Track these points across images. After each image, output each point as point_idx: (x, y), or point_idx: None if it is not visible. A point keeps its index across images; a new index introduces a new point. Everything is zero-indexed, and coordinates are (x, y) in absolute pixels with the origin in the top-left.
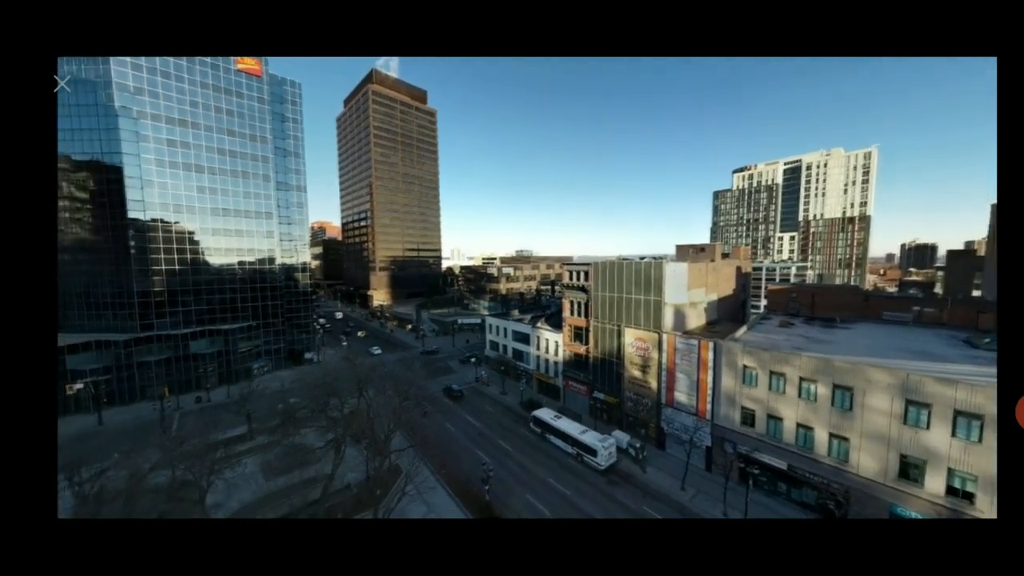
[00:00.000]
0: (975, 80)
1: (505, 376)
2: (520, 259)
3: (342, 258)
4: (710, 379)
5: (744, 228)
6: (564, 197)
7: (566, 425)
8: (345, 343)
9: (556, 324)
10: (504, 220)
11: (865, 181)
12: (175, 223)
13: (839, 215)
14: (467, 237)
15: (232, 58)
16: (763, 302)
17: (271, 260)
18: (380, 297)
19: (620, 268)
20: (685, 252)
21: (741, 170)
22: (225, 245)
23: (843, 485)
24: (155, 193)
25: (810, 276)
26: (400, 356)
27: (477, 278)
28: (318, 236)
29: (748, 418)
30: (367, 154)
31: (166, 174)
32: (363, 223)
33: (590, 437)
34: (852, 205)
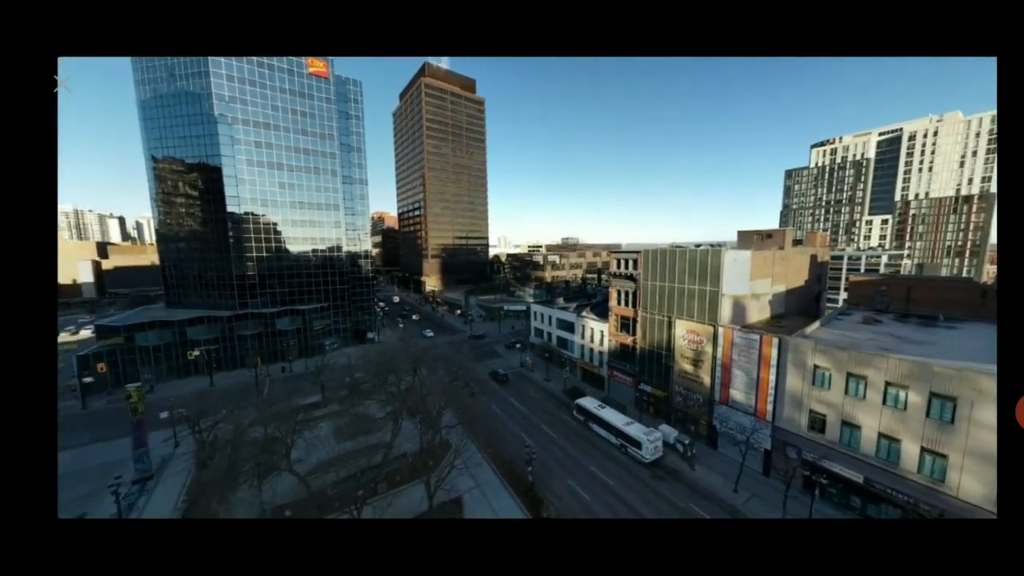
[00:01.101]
0: None
1: (549, 363)
2: (566, 247)
3: (398, 246)
4: (772, 378)
5: (823, 211)
6: (613, 183)
7: (610, 415)
8: (401, 325)
9: (601, 313)
10: (551, 208)
11: (990, 151)
12: (262, 216)
13: (950, 193)
14: (514, 225)
15: (304, 62)
16: (843, 295)
17: (338, 248)
18: (432, 283)
19: (672, 256)
20: (748, 239)
21: (821, 144)
22: (301, 235)
23: (936, 507)
24: (246, 189)
25: (906, 266)
26: (450, 339)
27: (523, 266)
28: (377, 226)
29: (817, 423)
30: (420, 146)
31: (254, 172)
32: (417, 213)
33: (635, 429)
34: (970, 181)
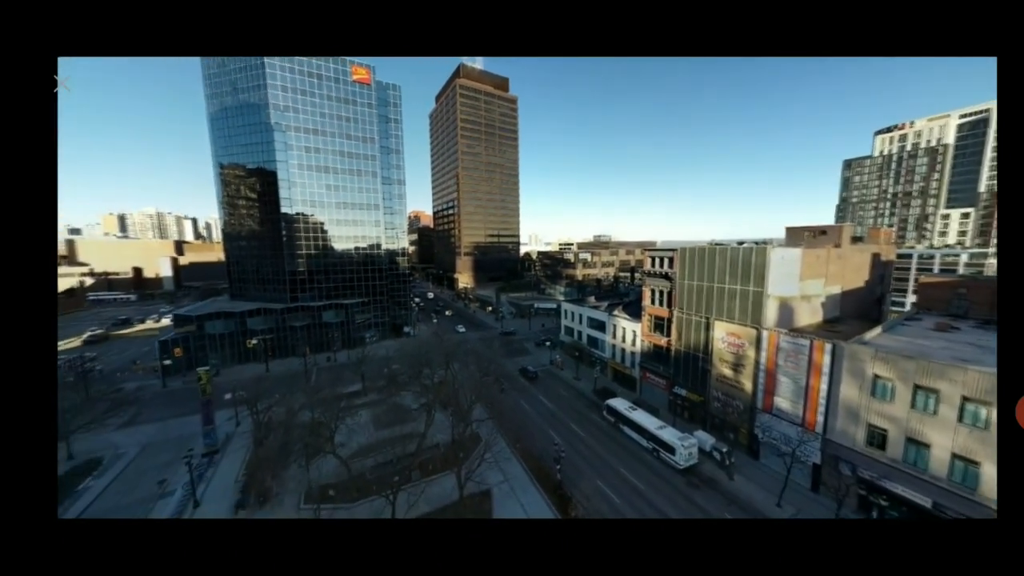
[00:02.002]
0: None
1: (579, 362)
2: (598, 244)
3: (433, 244)
4: (824, 387)
5: (888, 204)
6: (648, 179)
7: (642, 418)
8: (435, 320)
9: (634, 313)
10: (583, 205)
11: None
12: (311, 216)
13: None
14: (545, 223)
15: (349, 70)
16: (911, 298)
17: (378, 246)
18: (464, 280)
19: (712, 254)
20: (798, 236)
21: (888, 131)
22: (345, 233)
23: None
24: (297, 191)
25: (990, 266)
26: (481, 335)
27: (553, 263)
28: (414, 224)
29: (876, 438)
30: (454, 146)
31: (304, 175)
32: (450, 211)
33: (668, 433)
34: None
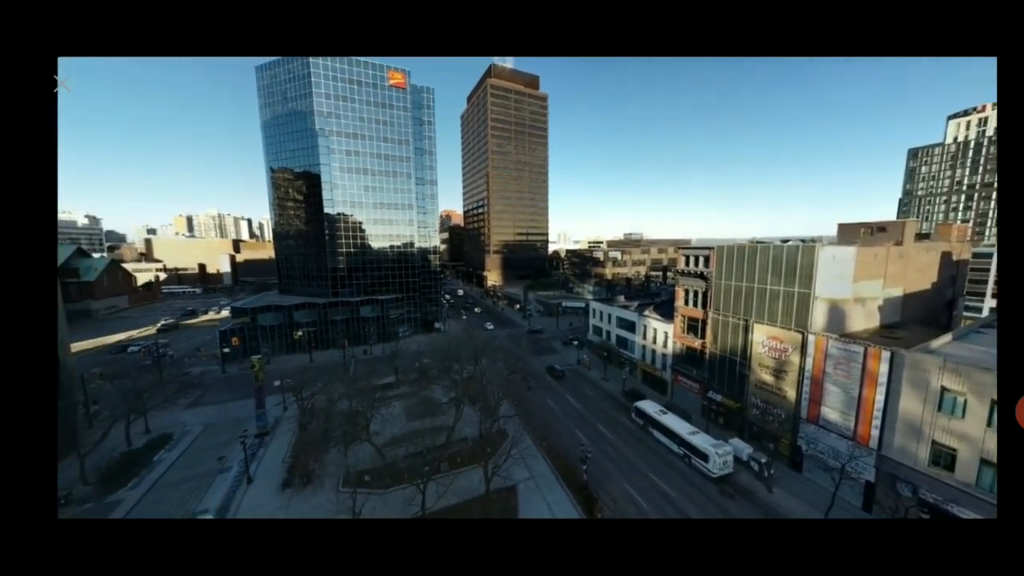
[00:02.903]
0: None
1: (607, 362)
2: (628, 242)
3: (463, 242)
4: (880, 398)
5: (962, 197)
6: (684, 175)
7: (673, 422)
8: (464, 317)
9: (666, 314)
10: (613, 202)
11: None
12: (350, 216)
13: None
14: (574, 221)
15: (386, 75)
16: (989, 303)
17: (411, 244)
18: (493, 278)
19: (752, 253)
20: (852, 233)
21: (964, 114)
22: (381, 232)
23: None
24: (338, 193)
25: None
26: (509, 332)
27: (582, 262)
28: (445, 223)
29: (943, 458)
30: (485, 145)
31: (345, 178)
32: (480, 210)
33: (701, 440)
34: None
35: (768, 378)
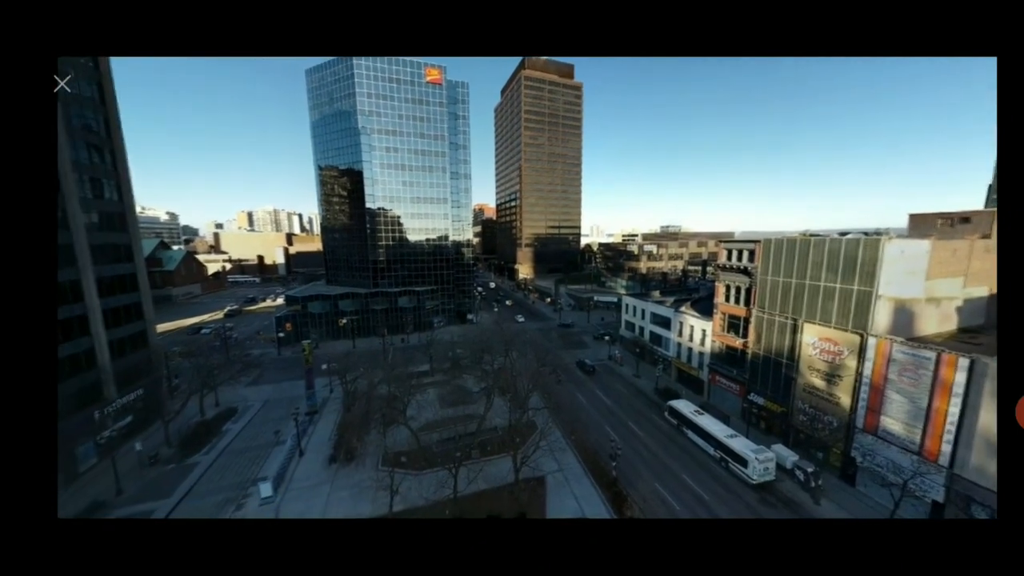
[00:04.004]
0: None
1: (640, 359)
2: (665, 236)
3: (495, 235)
4: (954, 410)
5: None
6: (730, 162)
7: (709, 423)
8: (496, 309)
9: (704, 310)
10: (650, 193)
11: None
12: (389, 210)
13: None
14: (607, 213)
15: (423, 72)
16: None
17: (446, 237)
18: (524, 271)
19: (805, 247)
20: (928, 224)
21: None
22: (417, 226)
23: None
24: (379, 188)
25: None
26: (539, 326)
27: (615, 255)
28: (478, 217)
29: None
30: (518, 138)
31: (385, 174)
32: (513, 203)
33: (740, 444)
34: None
35: (819, 382)
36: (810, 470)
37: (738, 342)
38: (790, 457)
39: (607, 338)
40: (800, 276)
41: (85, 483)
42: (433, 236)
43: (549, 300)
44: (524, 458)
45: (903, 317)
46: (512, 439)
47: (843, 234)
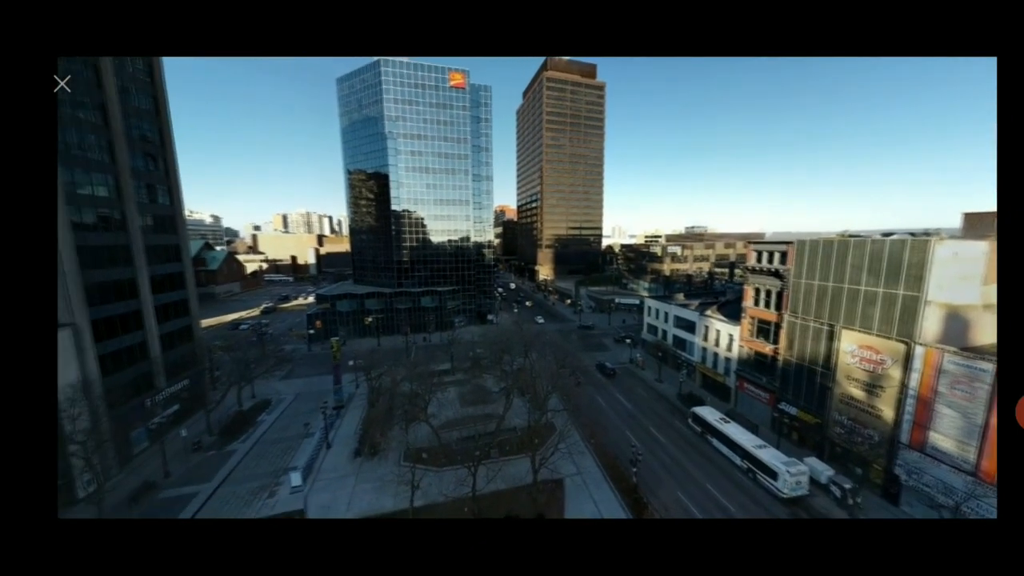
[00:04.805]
0: None
1: (662, 363)
2: (690, 236)
3: (516, 236)
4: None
5: None
6: (761, 160)
7: (735, 432)
8: (516, 310)
9: (732, 314)
10: (675, 193)
11: None
12: (413, 212)
13: None
14: (630, 214)
15: (447, 77)
16: None
17: (467, 239)
18: (544, 272)
19: (844, 248)
20: (986, 224)
21: None
22: (440, 227)
23: None
24: (403, 191)
25: None
26: (559, 327)
27: (638, 257)
28: (499, 218)
29: None
30: (540, 139)
31: (409, 177)
32: (534, 204)
33: (769, 455)
34: None
35: (858, 393)
36: (847, 486)
37: (768, 348)
38: (825, 471)
39: (628, 341)
40: (838, 279)
41: (138, 465)
42: (455, 237)
43: (569, 302)
44: (543, 460)
45: (955, 325)
46: (531, 440)
47: (886, 235)
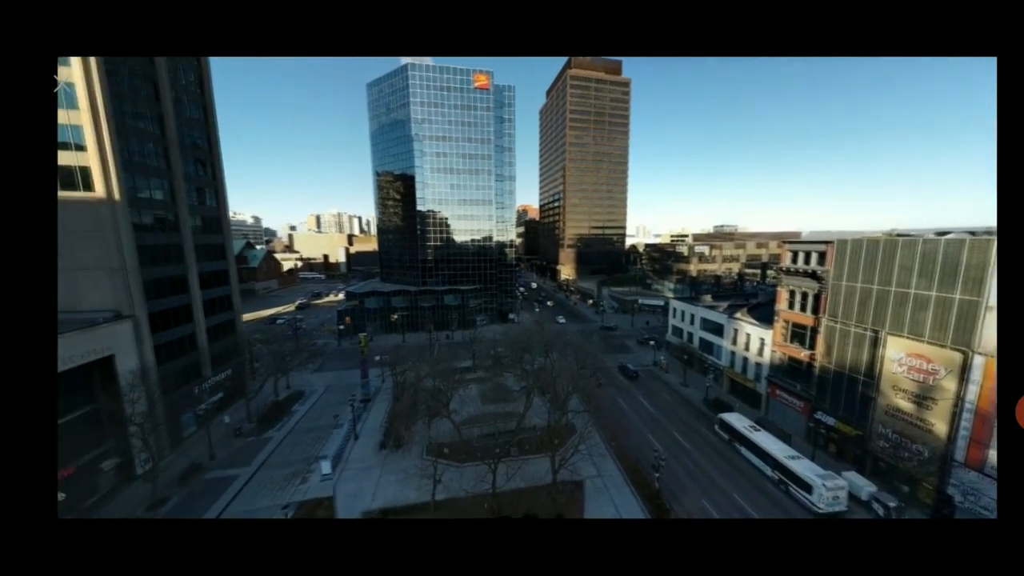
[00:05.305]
0: None
1: (688, 366)
2: (719, 236)
3: (538, 236)
4: None
5: None
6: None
7: (766, 441)
8: (537, 310)
9: (763, 317)
10: (702, 192)
11: None
12: (438, 212)
13: None
14: (656, 213)
15: (471, 79)
16: None
17: (490, 238)
18: (566, 272)
19: (891, 248)
20: None
21: None
22: (464, 227)
23: None
24: (429, 192)
25: None
26: (580, 328)
27: (663, 257)
28: (521, 218)
29: None
30: (563, 138)
31: (434, 177)
32: (556, 204)
33: (803, 467)
34: None
35: (906, 405)
36: (892, 505)
37: (803, 354)
38: (866, 487)
39: (652, 343)
40: (884, 282)
41: (187, 447)
42: (478, 237)
43: (591, 302)
44: (562, 460)
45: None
46: (551, 440)
47: (941, 234)
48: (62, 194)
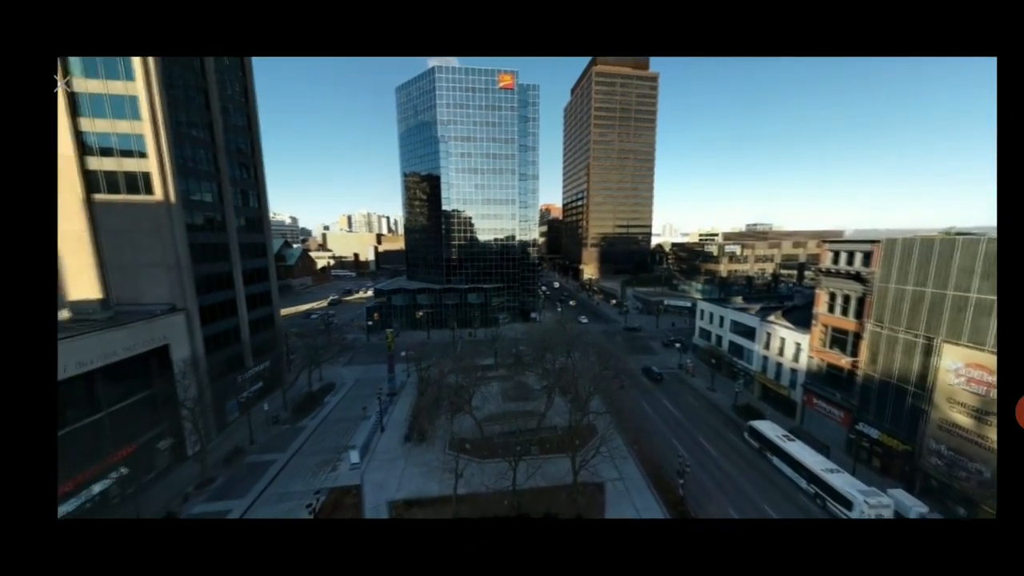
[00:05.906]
0: None
1: (716, 370)
2: (752, 235)
3: (560, 235)
4: None
5: None
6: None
7: (800, 452)
8: (559, 309)
9: (800, 321)
10: (734, 189)
11: None
12: (462, 212)
13: None
14: (684, 211)
15: (496, 79)
16: None
17: (513, 237)
18: (589, 271)
19: (948, 248)
20: None
21: None
22: (487, 226)
23: None
24: (453, 192)
25: None
26: (603, 328)
27: (690, 257)
28: (544, 217)
29: None
30: (587, 136)
31: (459, 177)
32: (579, 203)
33: (843, 481)
34: None
35: (963, 419)
36: None
37: (844, 361)
38: (915, 507)
39: (678, 345)
40: (939, 285)
41: (230, 432)
42: (501, 236)
43: (614, 302)
44: (583, 461)
45: None
46: (571, 440)
47: None
48: (127, 197)
